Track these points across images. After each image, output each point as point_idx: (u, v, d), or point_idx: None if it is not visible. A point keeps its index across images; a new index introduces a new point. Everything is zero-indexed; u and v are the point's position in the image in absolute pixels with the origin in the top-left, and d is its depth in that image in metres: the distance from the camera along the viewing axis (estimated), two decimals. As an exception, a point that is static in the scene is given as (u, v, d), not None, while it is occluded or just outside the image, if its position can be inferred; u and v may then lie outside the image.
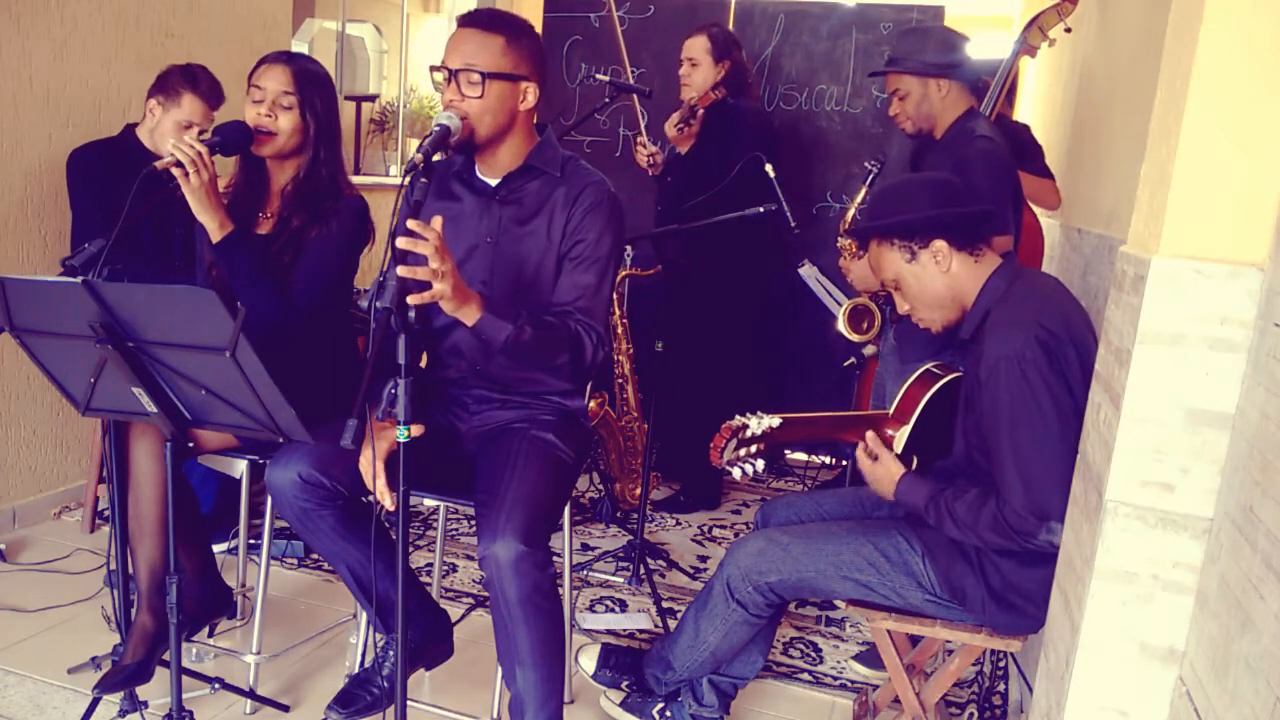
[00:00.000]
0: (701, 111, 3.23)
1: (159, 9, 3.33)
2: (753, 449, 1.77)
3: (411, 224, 1.54)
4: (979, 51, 2.59)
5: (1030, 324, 1.69)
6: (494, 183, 1.95)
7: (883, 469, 1.85)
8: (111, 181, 2.70)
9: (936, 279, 1.84)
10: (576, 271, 1.91)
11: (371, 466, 1.72)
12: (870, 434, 1.86)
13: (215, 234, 2.00)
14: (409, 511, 1.66)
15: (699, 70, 3.27)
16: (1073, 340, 1.69)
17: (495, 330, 1.73)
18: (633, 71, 4.15)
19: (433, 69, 1.85)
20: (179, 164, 1.90)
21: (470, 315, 1.70)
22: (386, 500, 1.71)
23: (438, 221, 1.59)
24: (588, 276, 1.91)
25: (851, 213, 2.89)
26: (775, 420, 1.77)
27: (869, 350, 3.17)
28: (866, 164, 2.94)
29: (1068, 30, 2.92)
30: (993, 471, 1.73)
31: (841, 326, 2.95)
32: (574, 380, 1.97)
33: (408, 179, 1.62)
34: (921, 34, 2.61)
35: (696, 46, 3.28)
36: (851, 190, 4.05)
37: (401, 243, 1.51)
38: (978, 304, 1.83)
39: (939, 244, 1.82)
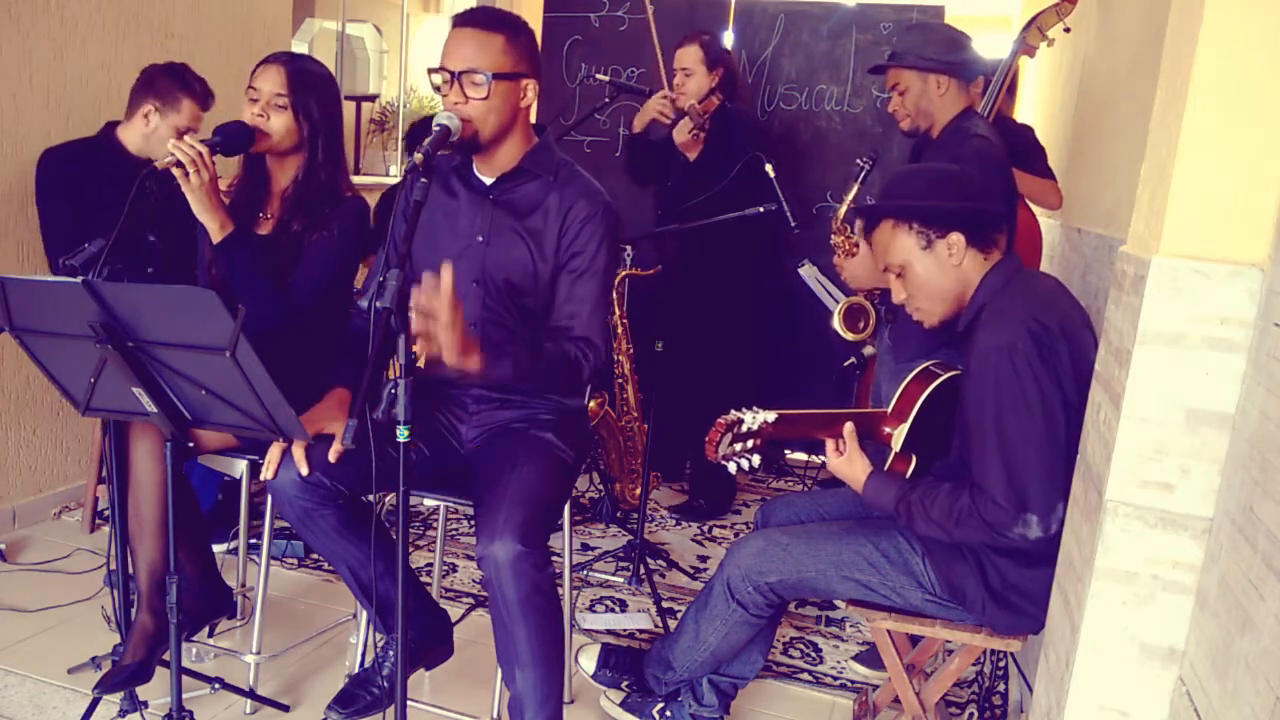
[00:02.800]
0: (708, 116, 3.24)
1: (159, 9, 3.33)
2: (748, 444, 1.76)
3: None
4: (979, 52, 2.59)
5: (1023, 317, 1.69)
6: (489, 181, 1.95)
7: (849, 467, 1.84)
8: (87, 183, 2.68)
9: (946, 272, 1.83)
10: (575, 287, 1.92)
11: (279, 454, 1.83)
12: (848, 427, 1.85)
13: (216, 234, 2.00)
14: (409, 511, 1.66)
15: (693, 79, 3.28)
16: (1066, 335, 1.69)
17: (498, 372, 1.79)
18: (632, 71, 4.15)
19: (431, 71, 1.85)
20: (179, 164, 1.90)
21: (473, 364, 1.74)
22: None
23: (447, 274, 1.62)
24: (584, 290, 1.92)
25: (843, 210, 2.89)
26: (770, 415, 1.76)
27: (869, 350, 3.17)
28: (858, 161, 2.94)
29: (1067, 30, 2.92)
30: (972, 461, 1.73)
31: (837, 325, 2.94)
32: (568, 392, 2.01)
33: (408, 179, 1.63)
34: (924, 30, 2.60)
35: (690, 56, 3.29)
36: (849, 187, 4.04)
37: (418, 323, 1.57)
38: (974, 298, 1.83)
39: (956, 237, 1.81)
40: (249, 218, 2.15)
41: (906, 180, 1.91)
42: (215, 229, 1.99)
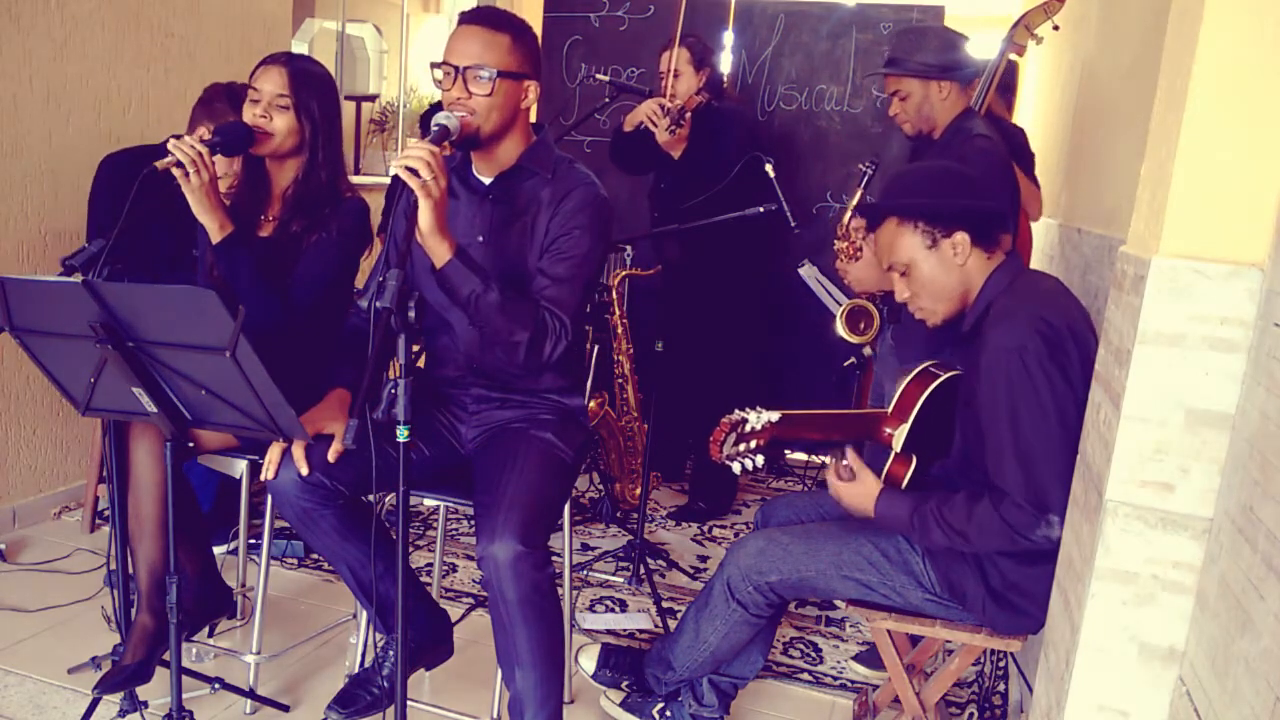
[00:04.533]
0: (689, 115, 3.23)
1: (159, 9, 3.33)
2: (752, 444, 1.76)
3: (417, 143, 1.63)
4: (975, 51, 2.60)
5: (1032, 316, 1.69)
6: (488, 181, 1.95)
7: (860, 487, 1.84)
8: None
9: (951, 271, 1.83)
10: (548, 262, 1.90)
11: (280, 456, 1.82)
12: (849, 453, 1.85)
13: (215, 234, 2.00)
14: (409, 511, 1.66)
15: (682, 80, 3.28)
16: (1073, 334, 1.70)
17: (462, 280, 1.74)
18: (632, 71, 4.15)
19: (434, 65, 1.85)
20: (179, 164, 1.90)
21: (442, 254, 1.71)
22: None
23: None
24: (559, 269, 1.89)
25: (848, 216, 2.89)
26: (774, 415, 1.76)
27: (869, 350, 3.17)
28: (861, 165, 2.94)
29: (1055, 28, 2.92)
30: (989, 465, 1.72)
31: (840, 328, 2.94)
32: (527, 366, 1.89)
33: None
34: (920, 34, 2.61)
35: (679, 59, 3.29)
36: (852, 190, 4.04)
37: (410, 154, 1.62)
38: (980, 297, 1.83)
39: (961, 236, 1.81)
40: (250, 220, 2.15)
41: (910, 178, 1.90)
42: (214, 229, 2.00)
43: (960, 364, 1.89)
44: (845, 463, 1.85)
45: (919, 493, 1.81)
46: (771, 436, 1.77)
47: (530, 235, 1.92)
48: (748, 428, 1.74)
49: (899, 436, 1.86)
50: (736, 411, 1.74)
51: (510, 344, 1.82)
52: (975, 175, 1.92)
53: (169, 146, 1.92)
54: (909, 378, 1.92)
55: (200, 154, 1.91)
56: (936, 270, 1.83)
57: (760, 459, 1.77)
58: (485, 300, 1.75)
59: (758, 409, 1.75)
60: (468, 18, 1.86)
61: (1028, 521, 1.66)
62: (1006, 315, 1.73)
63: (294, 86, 2.08)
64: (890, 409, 1.90)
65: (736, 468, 1.76)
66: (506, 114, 1.86)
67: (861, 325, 2.92)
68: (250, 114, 2.08)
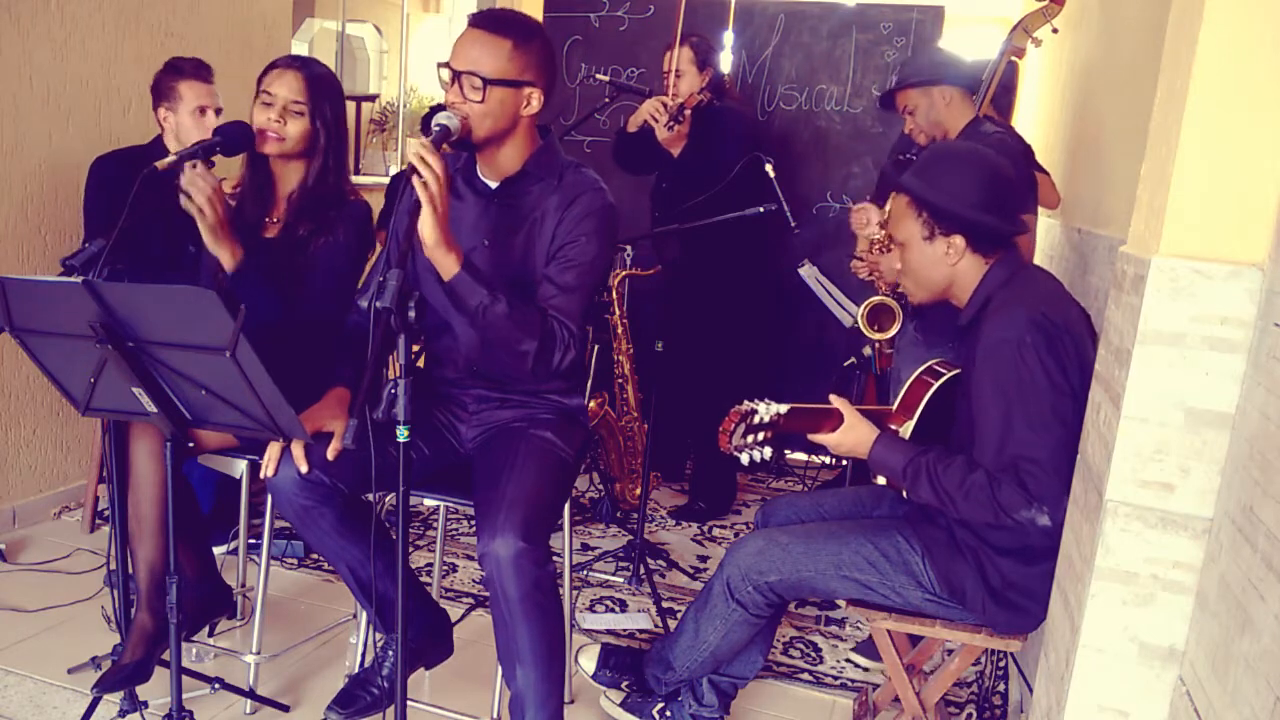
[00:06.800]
0: (689, 112, 3.23)
1: (159, 9, 3.33)
2: (760, 436, 1.77)
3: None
4: (972, 53, 2.65)
5: (1031, 310, 1.70)
6: (494, 185, 1.95)
7: (851, 433, 1.83)
8: (130, 189, 2.71)
9: (939, 266, 1.84)
10: (555, 270, 1.90)
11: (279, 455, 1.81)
12: (833, 397, 1.85)
13: (228, 264, 1.99)
14: (409, 511, 1.66)
15: (685, 80, 3.28)
16: (1069, 330, 1.71)
17: (470, 292, 1.74)
18: (632, 71, 4.16)
19: (439, 66, 1.85)
20: (187, 194, 1.91)
21: (449, 266, 1.72)
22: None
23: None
24: (566, 277, 1.89)
25: (888, 207, 2.89)
26: (783, 408, 1.77)
27: (868, 350, 3.17)
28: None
29: (1055, 31, 2.92)
30: (977, 451, 1.73)
31: (861, 325, 2.94)
32: (535, 375, 1.90)
33: (409, 179, 1.63)
34: (915, 54, 2.91)
35: (682, 58, 3.29)
36: (852, 190, 4.05)
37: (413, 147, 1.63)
38: (979, 291, 1.84)
39: (958, 239, 1.82)
40: (256, 222, 2.15)
41: (940, 164, 1.88)
42: (228, 259, 1.99)
43: (965, 357, 1.90)
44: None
45: (919, 445, 1.81)
46: (779, 430, 1.78)
47: (536, 241, 1.92)
48: (757, 419, 1.74)
49: (904, 433, 1.86)
50: (746, 402, 1.75)
51: (518, 353, 1.82)
52: (1009, 186, 1.89)
53: (184, 184, 1.92)
54: (914, 376, 1.92)
55: (214, 190, 1.92)
56: (926, 260, 1.85)
57: (769, 451, 1.78)
58: (493, 311, 1.75)
59: (766, 400, 1.76)
60: (474, 20, 1.85)
61: (1017, 503, 1.66)
62: (1006, 307, 1.74)
63: (311, 93, 2.09)
64: (895, 405, 1.91)
65: (745, 458, 1.77)
66: (502, 122, 1.85)
67: (878, 325, 2.92)
68: (264, 117, 2.07)
